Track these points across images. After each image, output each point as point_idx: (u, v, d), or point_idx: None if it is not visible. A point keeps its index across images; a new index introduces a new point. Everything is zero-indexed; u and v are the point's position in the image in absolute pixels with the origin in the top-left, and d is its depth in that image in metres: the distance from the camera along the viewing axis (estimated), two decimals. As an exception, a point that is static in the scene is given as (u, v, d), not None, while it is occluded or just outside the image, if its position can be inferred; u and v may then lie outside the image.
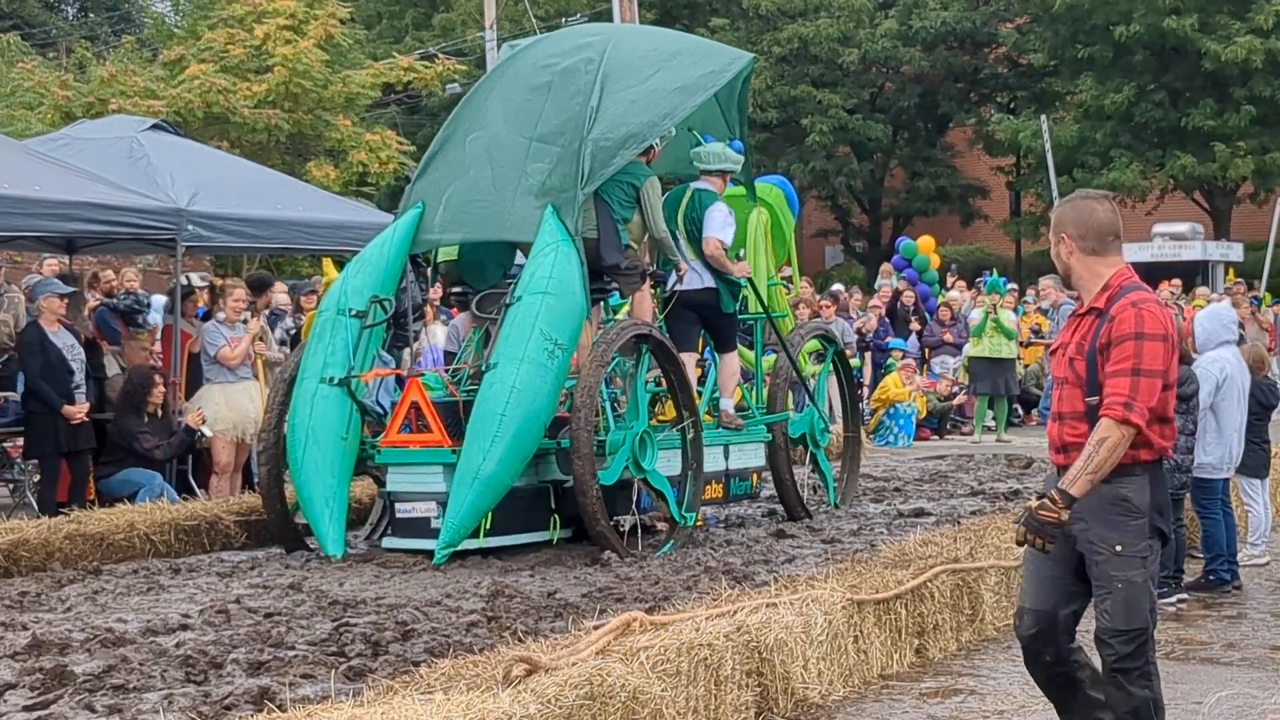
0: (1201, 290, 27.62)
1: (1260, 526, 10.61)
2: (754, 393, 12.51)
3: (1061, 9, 37.59)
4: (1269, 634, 8.50)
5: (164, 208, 12.94)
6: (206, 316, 13.95)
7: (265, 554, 10.72)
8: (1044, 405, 21.68)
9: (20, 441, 13.02)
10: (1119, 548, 5.09)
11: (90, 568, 9.94)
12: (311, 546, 10.64)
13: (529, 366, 9.99)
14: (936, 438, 21.05)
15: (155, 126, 15.33)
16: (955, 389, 21.59)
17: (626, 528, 10.46)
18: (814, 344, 13.38)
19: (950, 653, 7.85)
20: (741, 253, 12.42)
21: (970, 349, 20.89)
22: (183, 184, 13.39)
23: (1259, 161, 36.61)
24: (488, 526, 10.15)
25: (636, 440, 10.44)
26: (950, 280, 26.05)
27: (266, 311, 14.43)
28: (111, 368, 13.37)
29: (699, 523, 11.51)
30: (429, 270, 12.24)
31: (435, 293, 14.51)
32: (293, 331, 14.93)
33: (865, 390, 20.57)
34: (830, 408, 15.22)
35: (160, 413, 12.84)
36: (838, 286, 25.86)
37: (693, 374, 11.64)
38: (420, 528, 10.23)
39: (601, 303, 11.75)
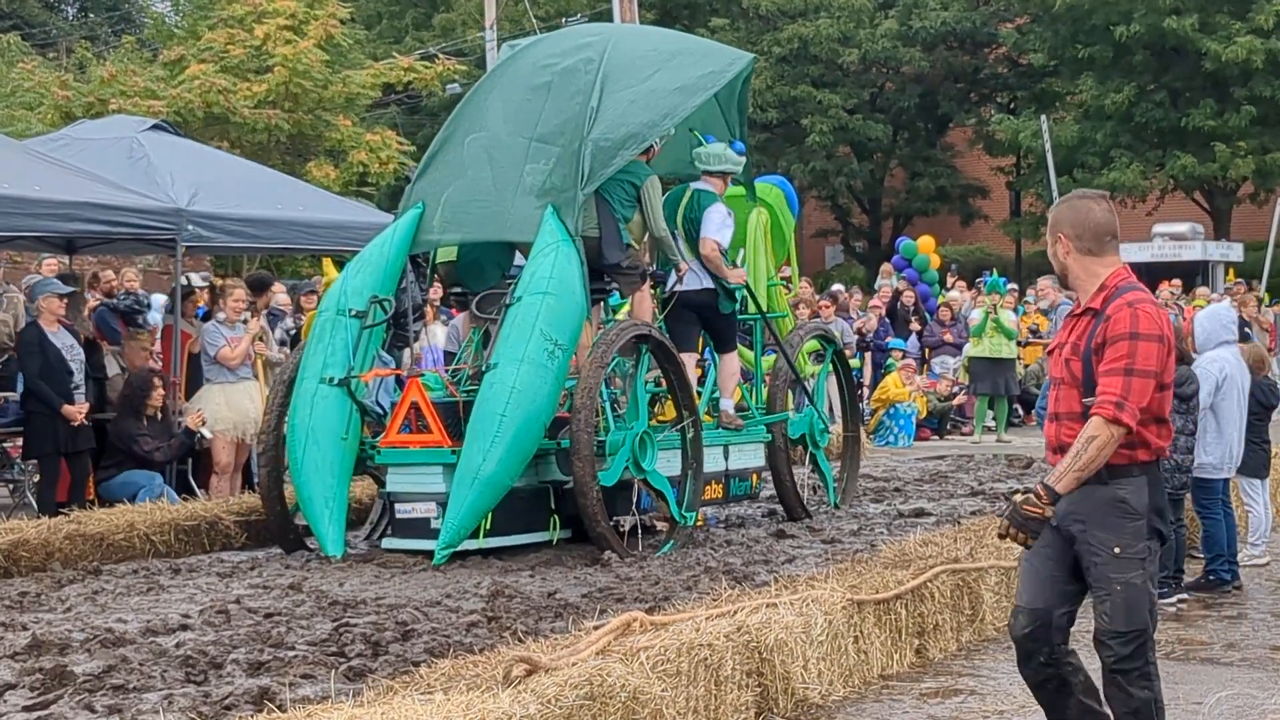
0: (1201, 290, 27.62)
1: (1260, 526, 10.61)
2: (754, 393, 12.51)
3: (1061, 9, 37.59)
4: (1269, 634, 8.50)
5: (164, 208, 12.94)
6: (206, 316, 13.95)
7: (265, 554, 10.72)
8: (1040, 406, 21.66)
9: (20, 442, 13.02)
10: (1117, 549, 5.09)
11: (90, 568, 9.94)
12: (311, 547, 10.63)
13: (529, 367, 9.99)
14: (936, 438, 21.05)
15: (155, 126, 15.34)
16: (955, 389, 21.59)
17: (626, 528, 10.46)
18: (813, 344, 13.38)
19: (950, 653, 7.85)
20: (741, 254, 12.43)
21: (970, 349, 20.89)
22: (183, 184, 13.39)
23: (1259, 161, 36.61)
24: (487, 527, 10.15)
25: (636, 441, 10.44)
26: (950, 280, 26.05)
27: (264, 311, 14.43)
28: (112, 368, 13.37)
29: (699, 523, 11.51)
30: (429, 270, 12.24)
31: (435, 293, 14.51)
32: (293, 331, 14.94)
33: (865, 390, 20.57)
34: (830, 408, 15.21)
35: (160, 415, 12.84)
36: (838, 286, 25.86)
37: (693, 374, 11.63)
38: (420, 528, 10.23)
39: (601, 303, 11.75)
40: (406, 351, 12.20)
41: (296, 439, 10.40)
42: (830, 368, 13.62)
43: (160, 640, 7.56)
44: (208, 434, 12.92)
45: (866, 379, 21.08)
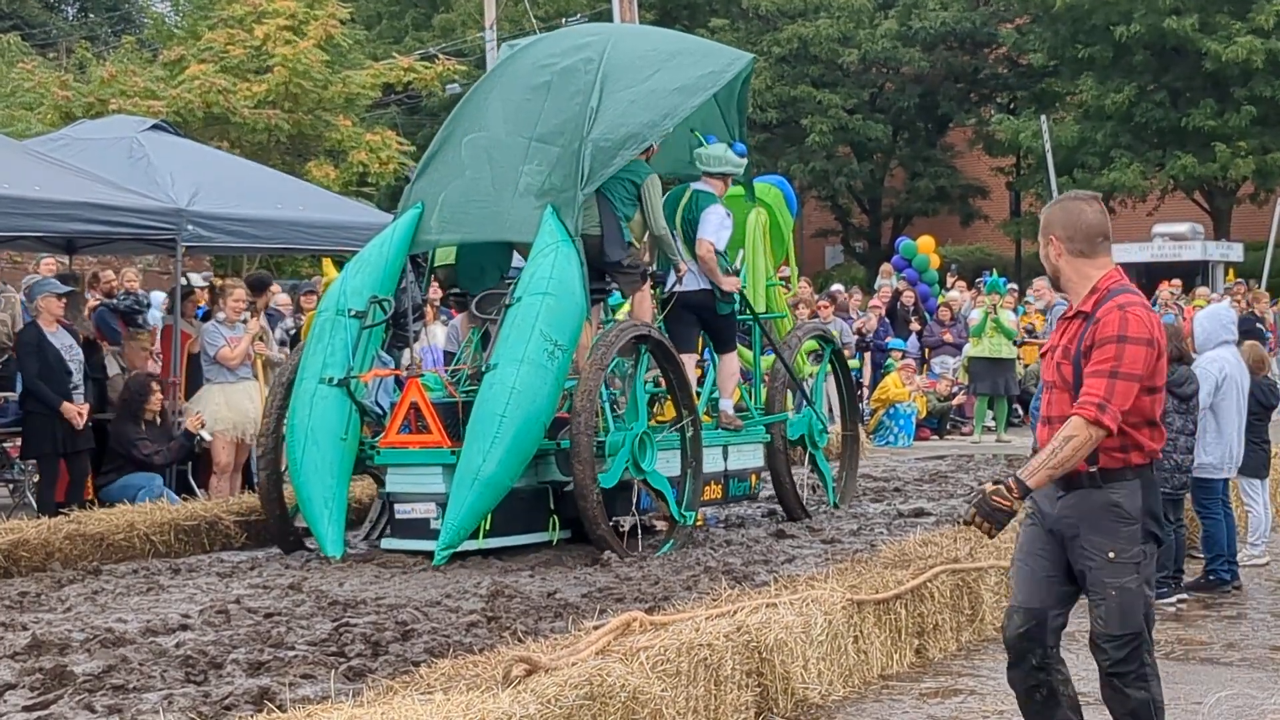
0: (1201, 290, 27.62)
1: (1260, 526, 10.61)
2: (753, 394, 12.51)
3: (1061, 9, 37.59)
4: (1269, 634, 8.50)
5: (164, 208, 12.94)
6: (206, 316, 13.95)
7: (265, 554, 10.72)
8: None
9: (20, 442, 13.01)
10: (1111, 554, 5.08)
11: (90, 568, 9.94)
12: (311, 548, 10.63)
13: (529, 367, 9.99)
14: (936, 438, 21.05)
15: (155, 127, 15.34)
16: (955, 389, 21.59)
17: (626, 528, 10.46)
18: (811, 344, 13.38)
19: (950, 653, 7.85)
20: (740, 254, 12.42)
21: (970, 349, 20.89)
22: (183, 184, 13.39)
23: (1259, 161, 36.63)
24: (487, 527, 10.15)
25: (636, 441, 10.43)
26: (950, 280, 26.05)
27: (264, 311, 14.42)
28: (112, 368, 13.37)
29: (699, 522, 11.51)
30: (428, 271, 12.23)
31: (435, 293, 14.51)
32: (292, 331, 14.93)
33: (865, 390, 20.57)
34: (829, 407, 15.22)
35: (159, 419, 12.84)
36: (837, 287, 25.86)
37: (693, 375, 11.63)
38: (420, 529, 10.23)
39: (601, 303, 11.74)
40: (406, 351, 12.19)
41: (296, 439, 10.40)
42: (829, 368, 13.62)
43: (160, 640, 7.56)
44: (207, 436, 12.92)
45: (866, 379, 21.08)
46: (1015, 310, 22.29)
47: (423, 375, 10.60)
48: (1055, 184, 35.14)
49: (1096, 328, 5.08)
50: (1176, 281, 27.76)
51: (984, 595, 8.22)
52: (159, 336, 14.71)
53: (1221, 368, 9.77)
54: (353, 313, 10.67)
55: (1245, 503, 10.67)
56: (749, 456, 12.04)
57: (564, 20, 35.88)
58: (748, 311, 12.24)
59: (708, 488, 11.33)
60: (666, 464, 10.78)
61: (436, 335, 15.74)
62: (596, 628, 6.20)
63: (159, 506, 11.25)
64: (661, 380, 11.19)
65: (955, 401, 21.52)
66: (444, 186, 11.16)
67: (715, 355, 12.02)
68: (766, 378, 12.53)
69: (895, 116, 43.79)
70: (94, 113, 25.14)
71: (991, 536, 5.16)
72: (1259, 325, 24.43)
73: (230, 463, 13.20)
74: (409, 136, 33.09)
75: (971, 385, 21.07)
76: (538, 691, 5.19)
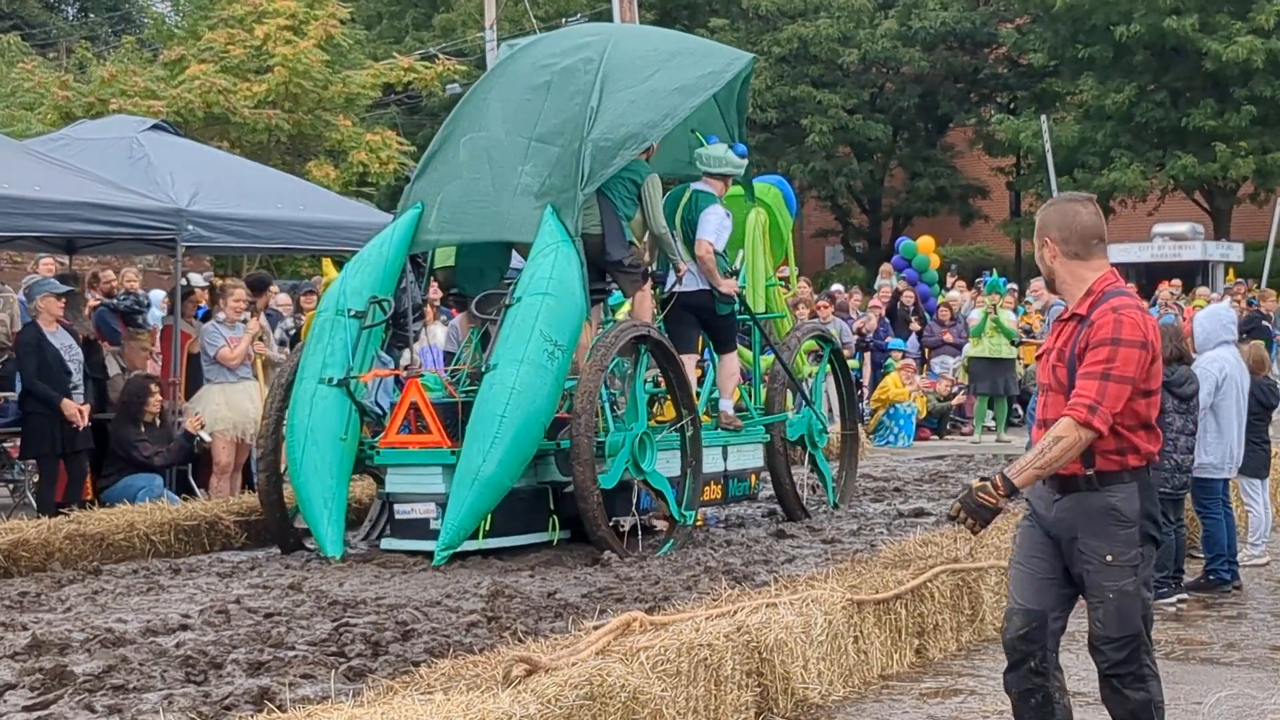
0: (1201, 290, 27.64)
1: (1260, 526, 10.61)
2: (752, 394, 12.50)
3: (1061, 9, 37.59)
4: (1269, 634, 8.50)
5: (164, 208, 12.94)
6: (206, 316, 13.95)
7: (265, 554, 10.72)
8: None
9: (20, 442, 13.00)
10: (1109, 557, 5.06)
11: (90, 568, 9.94)
12: (311, 549, 10.63)
13: (529, 368, 9.99)
14: (936, 438, 21.05)
15: (155, 127, 15.34)
16: (955, 389, 21.59)
17: (626, 529, 10.46)
18: (811, 344, 13.38)
19: (950, 653, 7.85)
20: (740, 254, 12.42)
21: (970, 349, 20.90)
22: (183, 184, 13.40)
23: (1259, 161, 36.63)
24: (487, 528, 10.15)
25: (636, 442, 10.43)
26: (950, 280, 26.06)
27: (264, 311, 14.42)
28: (112, 368, 13.37)
29: (699, 522, 11.51)
30: (427, 272, 12.22)
31: (435, 293, 14.51)
32: (292, 332, 14.93)
33: (865, 390, 20.57)
34: (829, 407, 15.22)
35: (159, 421, 12.84)
36: (837, 287, 25.86)
37: (692, 375, 11.63)
38: (420, 529, 10.23)
39: (601, 303, 11.74)
40: (406, 351, 12.19)
41: (295, 439, 10.39)
42: (828, 368, 13.62)
43: (160, 640, 7.56)
44: (206, 437, 12.92)
45: (866, 379, 21.09)
46: (1015, 310, 22.30)
47: (422, 375, 10.60)
48: (1055, 184, 35.14)
49: (1091, 330, 5.06)
50: (1176, 281, 27.77)
51: (984, 595, 8.22)
52: (159, 336, 14.71)
53: (1222, 368, 9.77)
54: (352, 313, 10.67)
55: (1245, 503, 10.67)
56: (749, 457, 12.04)
57: (564, 20, 35.87)
58: (746, 312, 12.23)
59: (707, 488, 11.33)
60: (666, 464, 10.77)
61: (436, 335, 15.73)
62: (596, 628, 6.20)
63: (159, 506, 11.25)
64: (661, 380, 11.19)
65: (955, 401, 21.53)
66: (443, 186, 11.16)
67: (715, 355, 12.02)
68: (766, 378, 12.53)
69: (895, 116, 43.80)
70: (94, 113, 25.14)
71: (975, 533, 5.17)
72: (1266, 323, 24.47)
73: (230, 463, 13.20)
74: (409, 136, 33.10)
75: (971, 385, 21.07)
76: (538, 691, 5.19)
